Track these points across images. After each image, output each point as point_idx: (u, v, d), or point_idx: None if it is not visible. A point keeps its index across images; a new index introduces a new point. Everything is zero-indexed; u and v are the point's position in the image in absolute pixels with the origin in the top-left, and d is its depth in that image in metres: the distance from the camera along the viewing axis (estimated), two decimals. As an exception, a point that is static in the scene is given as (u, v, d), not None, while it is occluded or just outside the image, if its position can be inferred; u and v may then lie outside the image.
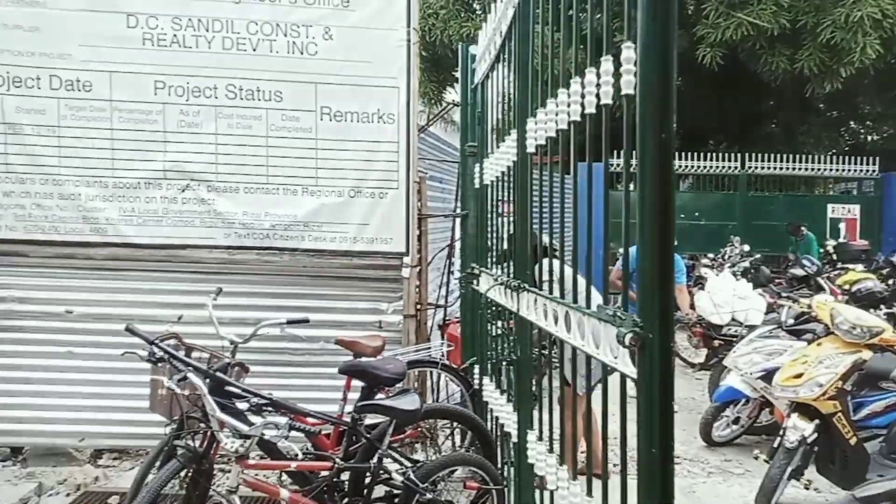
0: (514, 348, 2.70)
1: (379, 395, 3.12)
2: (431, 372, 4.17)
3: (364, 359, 3.31)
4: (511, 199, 2.99)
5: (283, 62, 3.97)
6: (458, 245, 5.08)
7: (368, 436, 2.71)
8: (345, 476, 2.78)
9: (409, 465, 2.70)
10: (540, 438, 2.41)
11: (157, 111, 3.89)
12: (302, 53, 3.98)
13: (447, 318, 4.70)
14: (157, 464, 2.82)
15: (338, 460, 2.62)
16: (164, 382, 2.50)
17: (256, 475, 2.53)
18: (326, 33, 3.98)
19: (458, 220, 5.68)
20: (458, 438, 3.95)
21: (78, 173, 3.90)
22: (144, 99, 3.88)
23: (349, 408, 3.44)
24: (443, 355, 3.85)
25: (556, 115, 2.18)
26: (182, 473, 2.60)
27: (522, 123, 2.61)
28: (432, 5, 11.72)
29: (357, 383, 3.31)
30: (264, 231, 4.06)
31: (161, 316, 4.08)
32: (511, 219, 3.12)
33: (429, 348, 3.95)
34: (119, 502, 3.65)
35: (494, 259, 3.32)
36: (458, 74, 11.53)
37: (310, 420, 2.81)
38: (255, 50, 3.93)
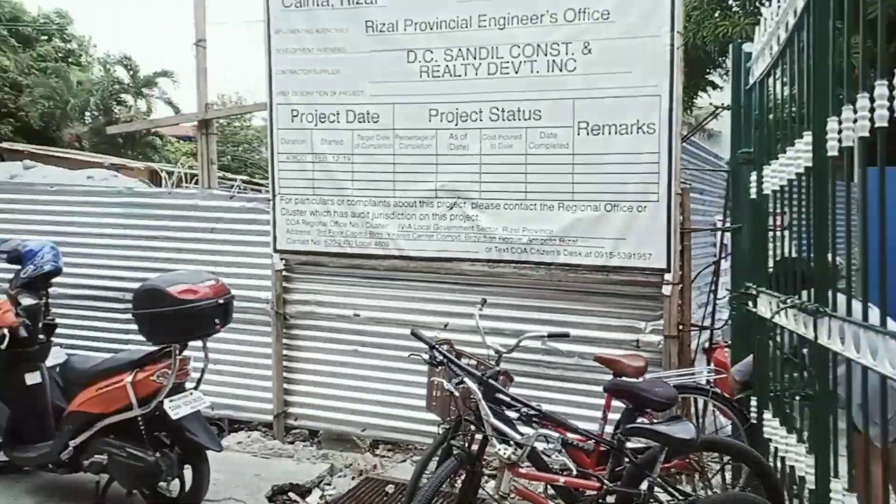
0: (811, 382, 2.36)
1: (640, 419, 2.99)
2: (695, 399, 3.87)
3: (628, 379, 3.19)
4: (797, 210, 2.65)
5: (543, 81, 4.07)
6: (723, 261, 4.68)
7: (636, 460, 2.60)
8: (609, 498, 2.70)
9: (680, 497, 2.53)
10: (850, 489, 2.06)
11: (430, 136, 4.28)
12: (561, 70, 4.04)
13: (713, 341, 4.33)
14: (433, 461, 3.05)
15: (605, 481, 2.56)
16: (444, 385, 2.71)
17: (525, 484, 2.59)
18: (586, 48, 3.99)
19: (718, 235, 5.23)
20: (728, 475, 3.59)
21: (367, 194, 4.46)
22: (420, 126, 4.29)
23: (608, 427, 3.37)
24: (711, 382, 3.54)
25: (872, 111, 1.87)
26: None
27: (821, 123, 2.29)
28: (684, 7, 11.03)
29: (617, 403, 3.22)
30: (522, 245, 4.19)
31: (430, 322, 4.46)
32: (783, 232, 2.77)
33: (693, 374, 3.67)
34: (395, 491, 4.03)
35: (779, 278, 2.97)
36: (711, 78, 10.54)
37: (575, 436, 2.80)
38: (516, 72, 4.10)
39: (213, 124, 5.11)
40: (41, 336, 4.06)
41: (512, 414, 2.64)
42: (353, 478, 4.38)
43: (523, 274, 4.26)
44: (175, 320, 3.29)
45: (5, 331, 3.77)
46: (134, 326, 5.12)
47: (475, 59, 4.16)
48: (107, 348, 5.16)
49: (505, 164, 4.17)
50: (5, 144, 16.51)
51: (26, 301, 3.89)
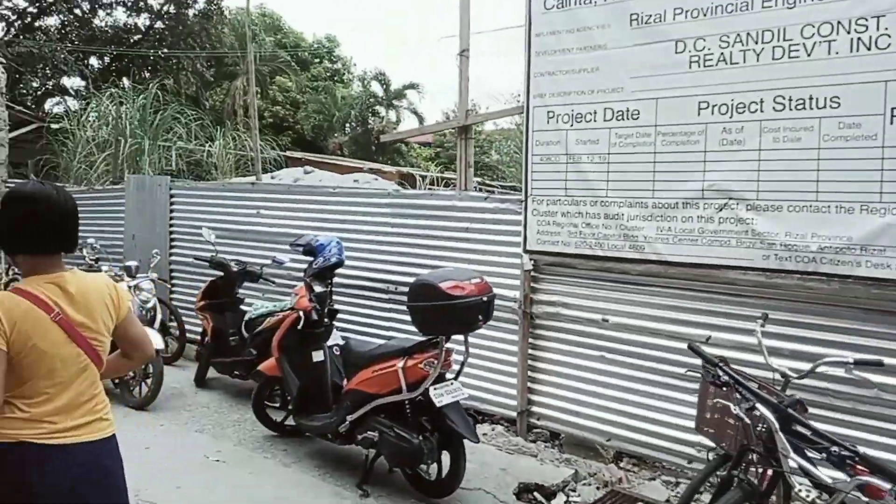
0: None
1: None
2: None
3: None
4: None
5: (844, 63, 3.48)
6: None
7: None
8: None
9: None
10: None
11: (698, 132, 3.94)
12: (869, 49, 3.42)
13: None
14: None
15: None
16: (731, 409, 2.43)
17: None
18: (905, 19, 3.32)
19: None
20: None
21: (622, 195, 4.27)
22: (687, 121, 3.97)
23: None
24: None
25: None
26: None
27: None
28: None
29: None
30: (810, 254, 3.64)
31: (687, 334, 4.12)
32: None
33: None
34: (646, 510, 3.79)
35: None
36: None
37: None
38: (809, 55, 3.57)
39: (472, 129, 5.33)
40: (326, 319, 4.62)
41: (811, 452, 2.26)
42: (597, 488, 4.23)
43: (809, 287, 3.70)
44: (444, 314, 3.48)
45: (301, 313, 4.37)
46: (395, 315, 5.68)
47: (756, 43, 3.71)
48: (371, 333, 5.72)
49: (790, 160, 3.66)
50: (287, 153, 19.40)
51: (318, 288, 4.46)
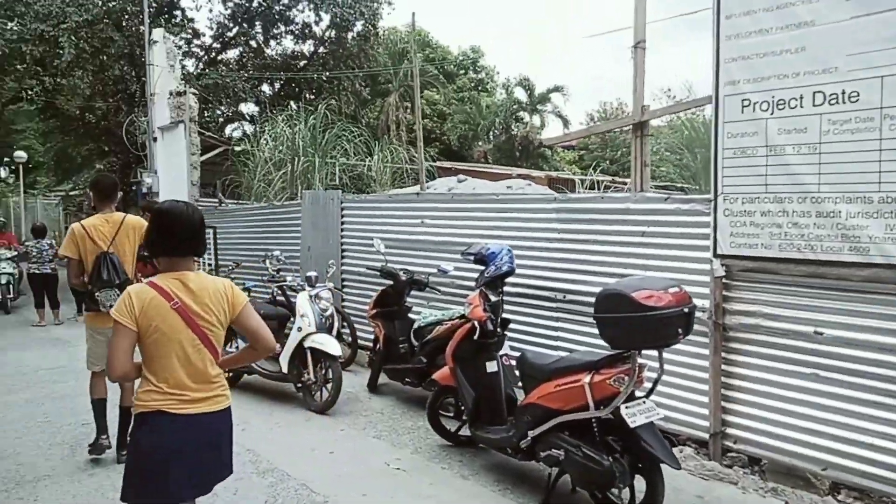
0: None
1: None
2: None
3: None
4: None
5: None
6: None
7: None
8: None
9: None
10: None
11: (941, 110, 3.32)
12: None
13: None
14: None
15: None
16: None
17: None
18: None
19: None
20: None
21: (839, 190, 3.71)
22: (925, 99, 3.36)
23: None
24: None
25: None
26: None
27: None
28: None
29: None
30: None
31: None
32: None
33: None
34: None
35: None
36: None
37: None
38: None
39: (649, 126, 4.98)
40: (498, 329, 4.52)
41: None
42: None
43: None
44: (639, 327, 3.20)
45: (476, 323, 4.31)
46: (563, 324, 5.46)
47: None
48: (537, 343, 5.54)
49: None
50: (436, 163, 19.88)
51: (492, 297, 4.37)
